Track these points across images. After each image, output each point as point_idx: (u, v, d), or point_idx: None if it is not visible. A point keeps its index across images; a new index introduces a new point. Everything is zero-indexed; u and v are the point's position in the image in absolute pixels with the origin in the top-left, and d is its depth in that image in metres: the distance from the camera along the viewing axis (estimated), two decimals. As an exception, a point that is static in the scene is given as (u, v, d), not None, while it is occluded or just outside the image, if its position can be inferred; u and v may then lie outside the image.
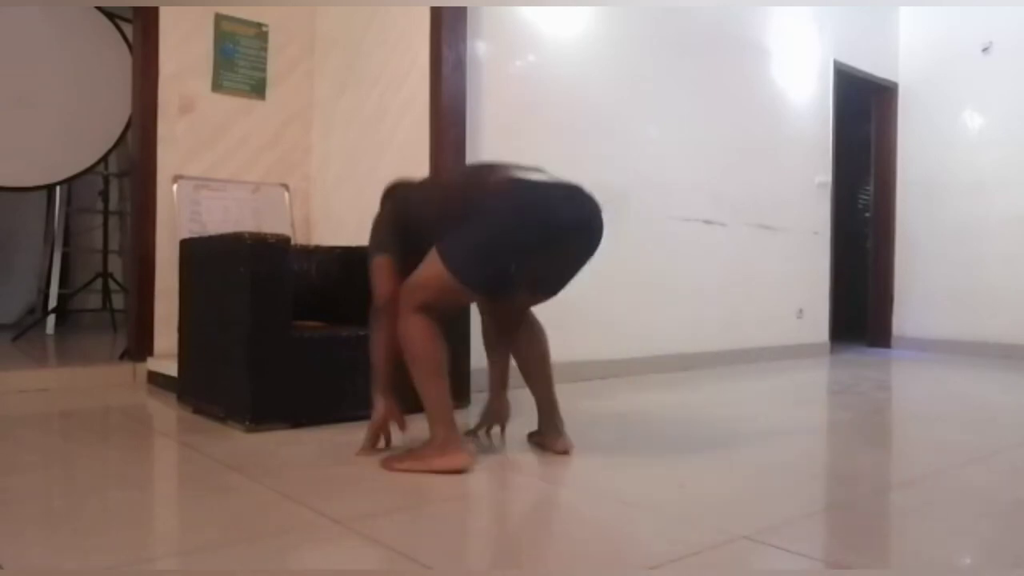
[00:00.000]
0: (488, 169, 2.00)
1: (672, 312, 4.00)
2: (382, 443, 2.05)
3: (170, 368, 2.97)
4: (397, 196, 2.10)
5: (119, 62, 3.88)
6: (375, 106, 3.50)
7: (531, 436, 2.17)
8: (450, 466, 1.80)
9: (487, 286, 1.90)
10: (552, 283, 2.03)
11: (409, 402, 1.96)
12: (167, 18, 3.47)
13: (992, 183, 5.11)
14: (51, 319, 4.87)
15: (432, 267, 1.84)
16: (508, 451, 2.13)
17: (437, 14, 3.08)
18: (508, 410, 2.25)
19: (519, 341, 2.13)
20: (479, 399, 2.62)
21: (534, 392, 2.12)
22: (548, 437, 2.09)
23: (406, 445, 2.02)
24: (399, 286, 1.95)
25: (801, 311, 4.81)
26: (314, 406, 2.40)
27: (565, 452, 2.05)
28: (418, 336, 1.83)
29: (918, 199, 5.49)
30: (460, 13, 3.11)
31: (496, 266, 1.85)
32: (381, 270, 1.98)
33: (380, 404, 2.03)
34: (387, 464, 1.87)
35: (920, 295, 5.46)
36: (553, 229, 1.86)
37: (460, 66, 3.11)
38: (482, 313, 2.21)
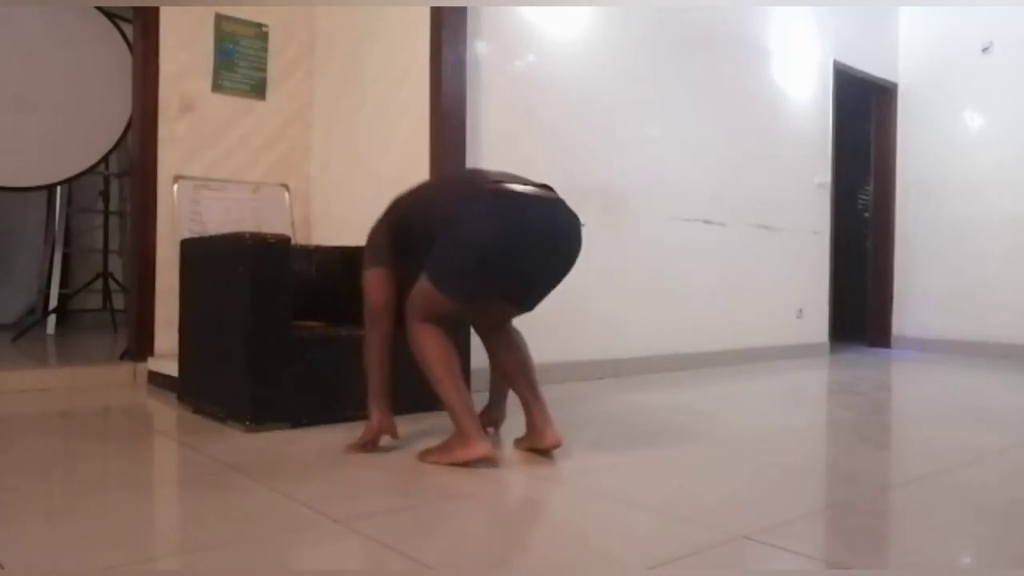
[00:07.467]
0: (469, 176, 2.05)
1: (672, 312, 4.00)
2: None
3: (170, 368, 2.97)
4: (393, 208, 2.13)
5: (119, 62, 3.88)
6: (375, 106, 3.50)
7: (518, 442, 2.09)
8: (473, 456, 1.85)
9: (465, 296, 1.94)
10: (527, 295, 2.03)
11: (405, 405, 1.97)
12: (167, 18, 3.47)
13: (992, 183, 5.11)
14: (51, 319, 4.86)
15: (421, 282, 1.94)
16: (508, 451, 2.13)
17: (437, 14, 3.08)
18: (503, 416, 2.28)
19: (496, 349, 2.11)
20: (478, 399, 2.62)
21: (518, 394, 2.06)
22: (535, 432, 2.01)
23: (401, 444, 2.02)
24: (391, 295, 2.03)
25: (801, 311, 4.81)
26: (314, 406, 2.40)
27: (556, 444, 1.97)
28: (424, 341, 1.92)
29: (918, 199, 5.49)
30: (460, 13, 3.11)
31: (472, 276, 1.90)
32: (373, 281, 2.05)
33: (375, 415, 2.05)
34: (422, 457, 1.94)
35: (920, 295, 5.46)
36: (524, 238, 1.88)
37: (460, 66, 3.11)
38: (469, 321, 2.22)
